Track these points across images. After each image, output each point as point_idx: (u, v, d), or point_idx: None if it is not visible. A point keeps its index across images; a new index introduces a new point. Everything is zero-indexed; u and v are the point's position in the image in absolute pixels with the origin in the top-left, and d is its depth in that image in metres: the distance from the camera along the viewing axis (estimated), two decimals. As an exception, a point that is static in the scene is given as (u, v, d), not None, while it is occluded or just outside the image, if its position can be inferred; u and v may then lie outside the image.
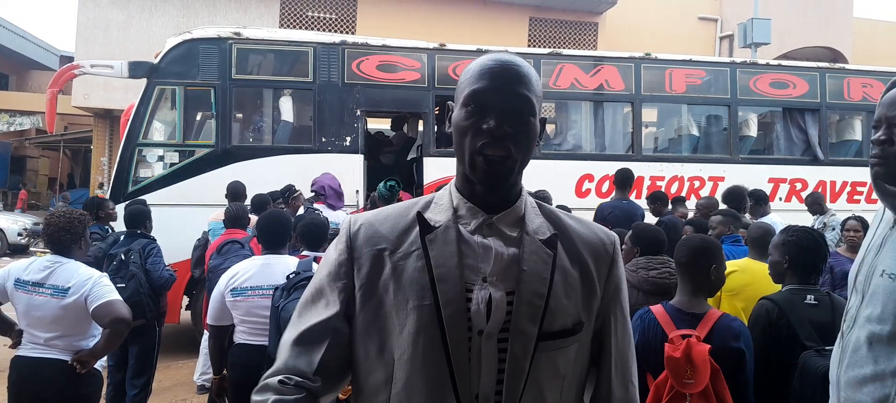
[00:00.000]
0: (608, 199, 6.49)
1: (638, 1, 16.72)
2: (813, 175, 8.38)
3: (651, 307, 2.59)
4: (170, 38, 7.46)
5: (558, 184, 7.18)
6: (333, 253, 1.26)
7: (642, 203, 6.55)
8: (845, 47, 16.60)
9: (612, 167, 6.65)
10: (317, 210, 5.86)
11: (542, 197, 5.73)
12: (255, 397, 1.19)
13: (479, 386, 1.13)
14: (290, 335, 1.24)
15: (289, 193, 6.11)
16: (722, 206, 6.26)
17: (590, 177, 7.99)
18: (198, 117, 7.55)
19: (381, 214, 1.28)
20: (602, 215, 5.79)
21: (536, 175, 7.22)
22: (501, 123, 1.13)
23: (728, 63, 8.80)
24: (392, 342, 1.16)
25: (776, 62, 9.15)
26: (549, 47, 13.27)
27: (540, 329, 1.14)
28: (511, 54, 1.21)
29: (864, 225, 5.06)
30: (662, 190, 7.22)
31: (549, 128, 8.85)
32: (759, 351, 2.58)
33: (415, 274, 1.16)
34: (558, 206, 5.49)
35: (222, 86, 7.24)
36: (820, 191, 8.00)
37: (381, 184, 6.29)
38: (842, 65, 10.92)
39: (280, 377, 1.19)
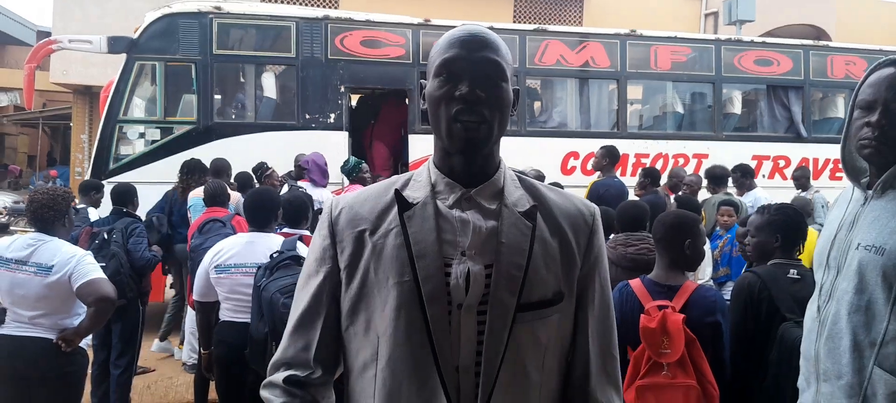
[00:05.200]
0: (596, 176, 6.52)
1: (624, -23, 16.64)
2: (796, 152, 8.47)
3: (629, 281, 2.64)
4: (149, 12, 7.34)
5: (544, 161, 7.20)
6: (318, 238, 1.29)
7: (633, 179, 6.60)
8: (829, 25, 16.65)
9: (597, 144, 6.67)
10: (300, 187, 5.84)
11: (535, 176, 5.75)
12: (263, 392, 1.25)
13: (459, 359, 1.15)
14: (289, 325, 1.29)
15: (261, 171, 6.08)
16: (704, 183, 6.34)
17: (575, 155, 8.02)
18: (179, 93, 7.46)
19: (362, 195, 1.30)
20: (597, 193, 5.81)
21: (522, 152, 7.26)
22: (474, 88, 1.14)
23: (713, 40, 8.84)
24: (376, 320, 1.18)
25: (760, 39, 9.19)
26: (535, 24, 13.20)
27: (518, 300, 1.16)
28: (478, 25, 1.24)
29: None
30: (647, 166, 7.23)
31: (535, 105, 8.86)
32: (741, 323, 2.63)
33: (394, 251, 1.18)
34: (551, 184, 5.50)
35: (203, 62, 7.17)
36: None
37: (352, 159, 6.34)
38: (825, 42, 10.99)
39: (285, 375, 1.25)
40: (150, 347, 6.08)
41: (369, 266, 1.19)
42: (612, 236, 3.42)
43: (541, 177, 5.77)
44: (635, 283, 2.64)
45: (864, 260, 1.63)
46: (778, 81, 8.69)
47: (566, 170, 7.92)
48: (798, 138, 8.58)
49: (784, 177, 8.22)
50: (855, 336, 1.63)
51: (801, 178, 7.26)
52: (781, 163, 8.45)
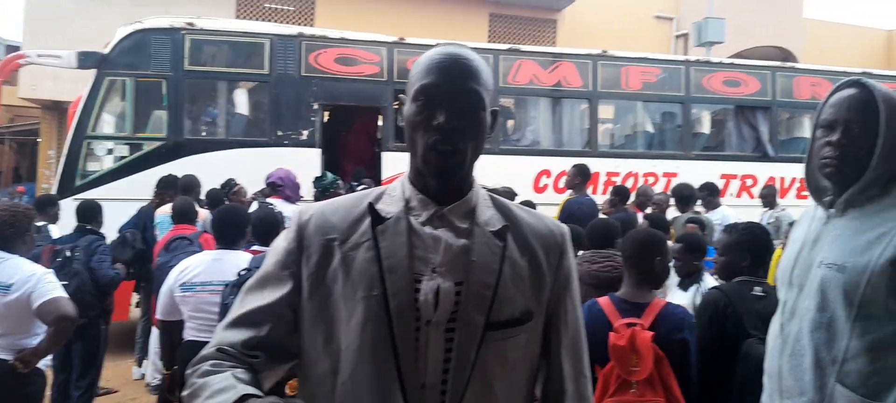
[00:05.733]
0: (568, 194, 6.57)
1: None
2: (763, 171, 8.62)
3: (598, 299, 2.64)
4: (120, 28, 7.27)
5: (516, 179, 7.22)
6: (283, 242, 1.25)
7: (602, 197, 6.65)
8: (795, 47, 17.05)
9: (569, 162, 6.72)
10: (270, 204, 5.77)
11: (506, 193, 5.77)
12: (188, 371, 1.15)
13: (426, 376, 1.14)
14: (229, 317, 1.22)
15: (229, 188, 6.02)
16: (672, 201, 6.42)
17: (547, 173, 8.08)
18: (149, 109, 7.37)
19: (333, 204, 1.28)
20: (569, 211, 5.86)
21: (495, 170, 7.27)
22: (450, 118, 1.13)
23: (682, 61, 9.01)
24: (339, 332, 1.16)
25: (728, 61, 9.38)
26: (509, 43, 13.33)
27: (487, 318, 1.16)
28: (460, 47, 1.22)
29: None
30: (617, 185, 7.30)
31: (509, 123, 8.92)
32: (707, 339, 2.65)
33: (364, 264, 1.16)
34: (523, 202, 5.52)
35: (174, 78, 7.12)
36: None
37: (329, 176, 6.30)
38: (791, 64, 11.24)
39: (217, 347, 1.16)
40: (126, 369, 5.94)
41: (337, 276, 1.17)
42: (580, 253, 3.45)
43: (512, 195, 5.80)
44: (604, 301, 2.64)
45: (826, 277, 1.65)
46: (745, 102, 8.87)
47: (538, 188, 7.96)
48: (765, 157, 8.75)
49: (751, 196, 8.35)
50: (817, 354, 1.65)
51: (769, 197, 7.38)
52: (749, 181, 8.59)
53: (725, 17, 14.15)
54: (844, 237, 1.67)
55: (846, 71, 9.20)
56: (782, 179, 8.62)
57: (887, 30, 19.08)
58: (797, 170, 8.81)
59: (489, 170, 7.04)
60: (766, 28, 16.68)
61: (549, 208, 6.37)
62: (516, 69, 8.12)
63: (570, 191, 6.46)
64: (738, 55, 14.41)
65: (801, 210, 1.94)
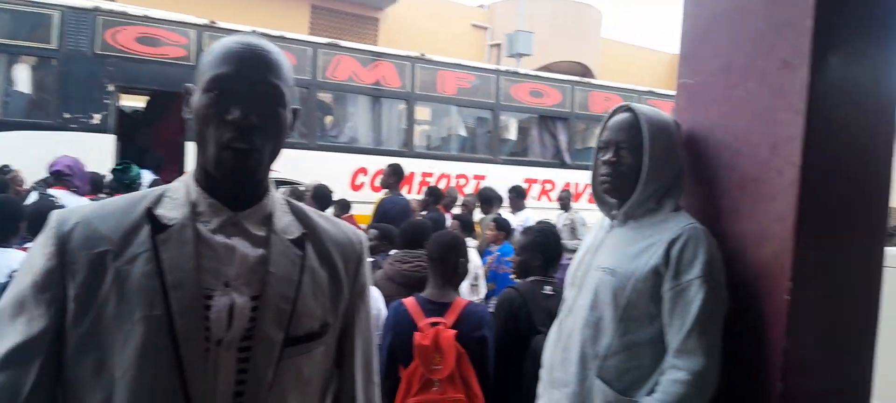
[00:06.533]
0: (383, 193, 6.66)
1: (417, 1, 17.28)
2: (560, 177, 9.39)
3: (404, 300, 2.70)
4: None
5: (333, 176, 7.18)
6: (39, 257, 1.03)
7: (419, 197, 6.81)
8: (593, 64, 18.74)
9: (386, 162, 6.81)
10: (51, 196, 5.17)
11: (322, 193, 5.70)
12: None
13: (215, 401, 1.04)
14: None
15: (2, 174, 5.34)
16: (478, 204, 6.78)
17: (364, 171, 8.12)
18: None
19: (103, 210, 1.09)
20: (383, 210, 5.92)
21: (311, 167, 7.18)
22: (247, 114, 1.04)
23: (493, 70, 9.51)
24: (112, 359, 1.00)
25: (534, 73, 10.06)
26: (331, 38, 13.19)
27: (286, 334, 1.09)
28: (258, 37, 1.13)
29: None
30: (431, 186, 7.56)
31: (326, 119, 8.84)
32: (502, 336, 2.82)
33: (143, 280, 1.01)
34: (338, 201, 5.43)
35: None
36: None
37: (134, 168, 5.80)
38: (589, 79, 12.34)
39: None
40: None
41: (109, 296, 1.01)
42: (392, 252, 3.52)
43: (328, 192, 5.76)
44: (409, 302, 2.69)
45: (600, 280, 1.80)
46: (547, 112, 9.60)
47: (355, 186, 7.98)
48: (562, 164, 9.52)
49: (550, 199, 9.07)
50: (583, 348, 1.80)
51: (565, 200, 8.04)
52: (548, 186, 9.31)
53: (534, 31, 15.17)
54: (620, 245, 1.84)
55: (635, 88, 10.28)
56: (577, 185, 9.44)
57: (671, 54, 21.53)
58: (589, 178, 9.70)
59: (306, 166, 6.98)
60: (569, 44, 18.15)
61: (364, 206, 6.43)
62: (336, 64, 8.06)
63: (385, 190, 6.55)
64: (543, 68, 15.50)
65: (592, 213, 2.12)
